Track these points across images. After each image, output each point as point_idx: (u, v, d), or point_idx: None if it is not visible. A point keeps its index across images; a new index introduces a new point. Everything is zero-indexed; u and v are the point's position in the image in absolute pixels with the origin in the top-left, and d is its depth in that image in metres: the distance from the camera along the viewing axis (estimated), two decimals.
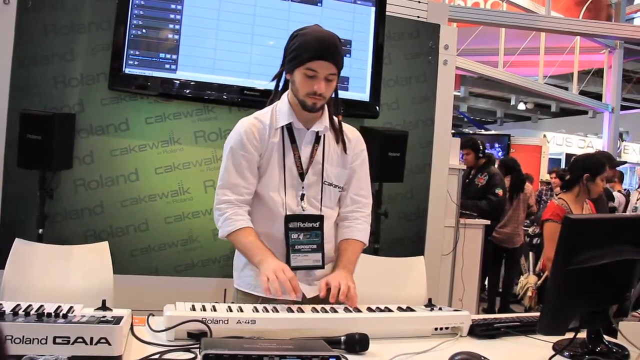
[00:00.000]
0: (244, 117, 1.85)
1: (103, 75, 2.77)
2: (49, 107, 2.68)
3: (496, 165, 5.42)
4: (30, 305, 1.39)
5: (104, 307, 1.48)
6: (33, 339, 1.19)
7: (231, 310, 1.53)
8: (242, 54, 2.88)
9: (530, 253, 5.94)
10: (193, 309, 1.49)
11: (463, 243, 4.06)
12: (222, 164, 1.82)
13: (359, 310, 1.63)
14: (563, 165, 11.87)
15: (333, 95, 1.82)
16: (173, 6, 2.78)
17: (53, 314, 1.27)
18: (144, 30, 2.75)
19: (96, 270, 2.04)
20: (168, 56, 2.79)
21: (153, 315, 1.52)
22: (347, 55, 3.02)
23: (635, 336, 1.54)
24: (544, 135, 13.46)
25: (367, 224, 1.91)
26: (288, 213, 1.79)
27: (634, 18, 12.17)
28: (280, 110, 1.81)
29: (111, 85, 2.75)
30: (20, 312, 1.31)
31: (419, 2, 3.42)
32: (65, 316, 1.27)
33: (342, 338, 1.45)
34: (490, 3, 10.18)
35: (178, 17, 2.79)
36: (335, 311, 1.60)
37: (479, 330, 1.65)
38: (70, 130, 2.72)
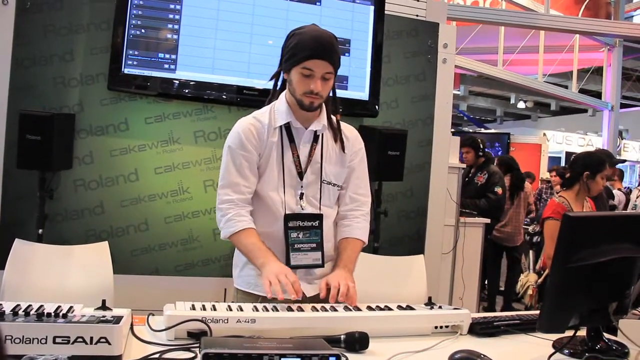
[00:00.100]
0: (242, 117, 1.85)
1: (102, 75, 2.77)
2: (48, 108, 2.68)
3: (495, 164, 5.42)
4: (30, 305, 1.39)
5: (104, 306, 1.49)
6: (33, 339, 1.20)
7: (231, 310, 1.53)
8: (241, 53, 2.88)
9: (530, 251, 5.94)
10: (193, 308, 1.49)
11: (463, 242, 4.06)
12: (222, 164, 1.82)
13: (359, 309, 1.63)
14: (563, 164, 11.88)
15: (331, 94, 1.82)
16: (172, 6, 2.78)
17: (53, 314, 1.28)
18: (143, 31, 2.75)
19: (96, 270, 2.04)
20: (167, 56, 2.79)
21: (153, 315, 1.52)
22: (346, 54, 3.02)
23: (635, 334, 1.54)
24: (544, 134, 13.46)
25: (367, 222, 1.91)
26: (287, 212, 1.80)
27: (633, 16, 12.18)
28: (279, 110, 1.81)
29: (110, 85, 2.74)
30: (20, 312, 1.31)
31: (418, 0, 3.42)
32: (65, 316, 1.28)
33: (342, 337, 1.45)
34: (489, 1, 10.19)
35: (177, 17, 2.79)
36: (335, 310, 1.61)
37: (479, 329, 1.65)
38: (70, 130, 2.72)
